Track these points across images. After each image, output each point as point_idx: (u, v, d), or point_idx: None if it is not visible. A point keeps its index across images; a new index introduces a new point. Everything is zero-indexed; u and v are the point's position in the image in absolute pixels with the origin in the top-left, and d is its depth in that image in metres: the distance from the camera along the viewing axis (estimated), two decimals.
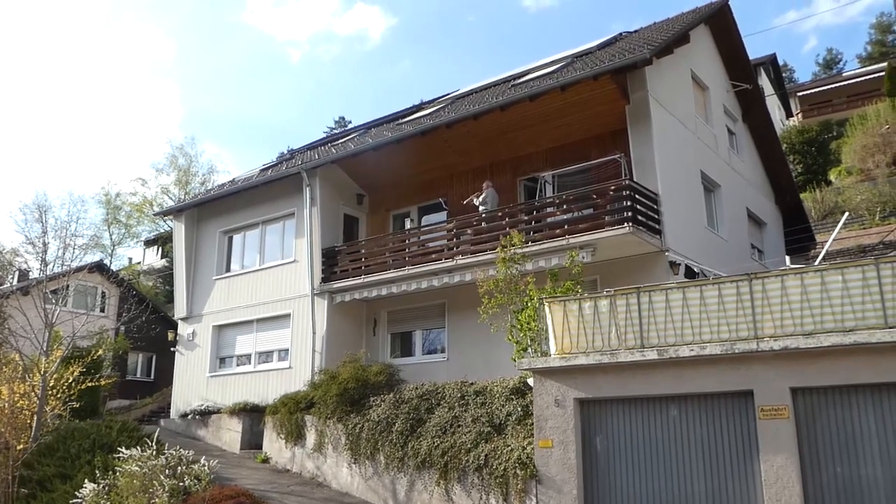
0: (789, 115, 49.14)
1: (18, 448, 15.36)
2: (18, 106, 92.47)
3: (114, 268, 42.02)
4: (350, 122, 67.64)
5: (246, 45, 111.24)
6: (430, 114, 20.52)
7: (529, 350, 11.88)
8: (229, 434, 19.20)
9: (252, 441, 18.53)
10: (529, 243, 14.62)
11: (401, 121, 22.30)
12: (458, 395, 13.45)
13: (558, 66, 18.41)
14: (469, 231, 16.59)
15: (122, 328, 27.57)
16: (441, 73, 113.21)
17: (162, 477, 12.78)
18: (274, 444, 16.94)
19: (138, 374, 34.02)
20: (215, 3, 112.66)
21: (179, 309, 22.90)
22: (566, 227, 14.78)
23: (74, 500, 13.28)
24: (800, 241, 23.37)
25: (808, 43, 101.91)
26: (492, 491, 11.65)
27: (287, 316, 19.77)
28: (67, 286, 19.23)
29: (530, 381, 11.69)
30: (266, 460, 16.96)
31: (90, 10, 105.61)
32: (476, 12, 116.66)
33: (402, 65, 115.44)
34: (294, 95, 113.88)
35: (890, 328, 8.71)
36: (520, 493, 11.20)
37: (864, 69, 51.95)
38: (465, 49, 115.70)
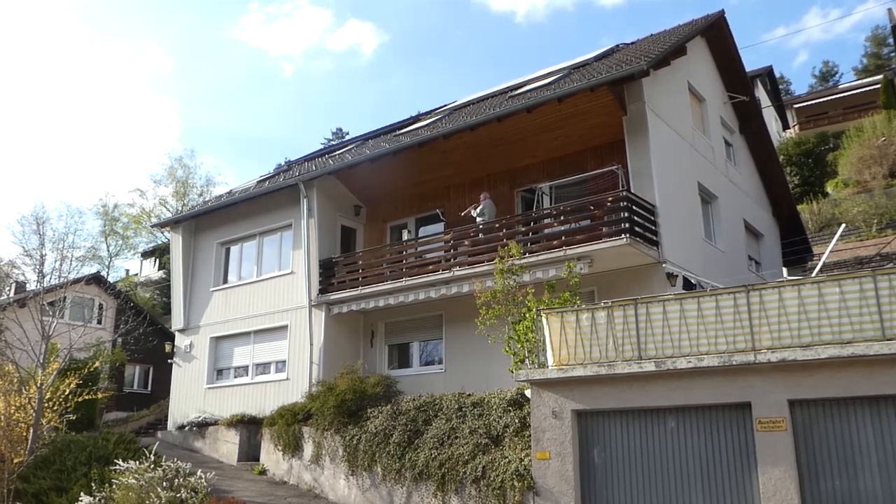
0: (786, 126, 49.27)
1: (14, 461, 15.29)
2: (17, 118, 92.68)
3: (111, 279, 41.96)
4: (347, 133, 67.73)
5: (240, 60, 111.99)
6: (427, 125, 20.56)
7: (527, 361, 11.85)
8: (226, 446, 19.13)
9: (249, 453, 18.48)
10: (527, 254, 14.62)
11: (398, 132, 22.34)
12: (456, 406, 13.42)
13: (555, 77, 18.47)
14: (466, 242, 16.60)
15: (120, 340, 27.51)
16: (435, 88, 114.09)
17: (159, 489, 12.73)
18: (271, 456, 16.88)
19: (135, 386, 33.96)
20: (208, 19, 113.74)
21: (177, 320, 22.86)
22: (563, 238, 14.79)
23: None
24: (797, 252, 23.40)
25: (799, 57, 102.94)
26: (489, 502, 11.60)
27: (284, 327, 19.74)
28: (64, 298, 19.20)
29: (528, 392, 11.67)
30: (263, 472, 16.90)
31: (90, 25, 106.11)
32: (467, 29, 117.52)
33: (396, 79, 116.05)
34: (289, 108, 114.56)
35: (888, 340, 8.71)
36: None
37: (859, 81, 52.16)
38: (459, 64, 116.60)
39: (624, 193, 14.43)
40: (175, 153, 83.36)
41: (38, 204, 59.83)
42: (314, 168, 21.22)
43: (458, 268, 16.27)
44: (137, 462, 13.97)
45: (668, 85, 16.82)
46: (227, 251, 22.46)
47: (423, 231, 20.19)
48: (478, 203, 17.21)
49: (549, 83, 17.71)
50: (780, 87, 57.73)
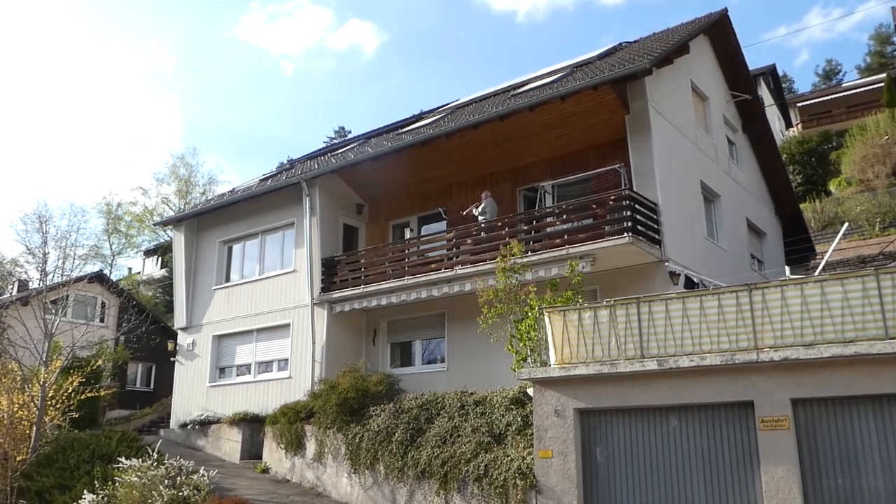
0: (789, 125, 49.22)
1: (17, 459, 15.31)
2: (20, 117, 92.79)
3: (114, 278, 41.97)
4: (350, 131, 67.74)
5: (241, 59, 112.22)
6: (429, 124, 20.54)
7: (529, 360, 11.86)
8: (229, 444, 19.14)
9: (252, 451, 18.48)
10: (529, 253, 14.61)
11: (400, 131, 22.31)
12: (458, 404, 13.42)
13: (558, 76, 18.43)
14: (469, 241, 16.58)
15: (122, 338, 27.52)
16: (436, 88, 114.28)
17: (161, 487, 12.74)
18: (274, 454, 16.90)
19: (138, 385, 33.97)
20: (209, 19, 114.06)
21: (179, 319, 22.87)
22: (566, 236, 14.77)
23: None
24: (799, 251, 23.38)
25: (801, 57, 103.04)
26: (491, 501, 11.60)
27: (287, 326, 19.75)
28: (67, 296, 19.18)
29: (530, 391, 11.67)
30: (266, 470, 16.91)
31: (92, 24, 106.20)
32: (468, 28, 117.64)
33: (397, 79, 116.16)
34: (291, 107, 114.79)
35: (890, 339, 8.71)
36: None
37: (863, 80, 52.02)
38: (460, 64, 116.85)
39: (626, 192, 14.40)
40: (177, 152, 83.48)
41: (40, 202, 59.81)
42: (316, 166, 21.21)
43: (460, 266, 16.26)
44: (140, 460, 13.96)
45: (670, 83, 16.79)
46: (230, 249, 22.46)
47: (425, 230, 20.16)
48: (479, 202, 17.19)
49: (552, 82, 17.68)
50: (783, 85, 57.69)
